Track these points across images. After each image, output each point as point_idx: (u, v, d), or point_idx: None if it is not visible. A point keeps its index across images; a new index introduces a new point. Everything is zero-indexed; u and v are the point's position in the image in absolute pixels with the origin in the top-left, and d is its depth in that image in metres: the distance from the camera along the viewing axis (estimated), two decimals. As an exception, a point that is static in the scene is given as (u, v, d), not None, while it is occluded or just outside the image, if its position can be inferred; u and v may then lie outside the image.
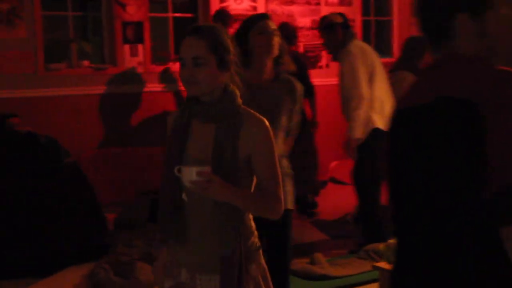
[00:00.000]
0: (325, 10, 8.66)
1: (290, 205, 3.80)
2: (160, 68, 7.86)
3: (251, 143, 2.50)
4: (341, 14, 6.00)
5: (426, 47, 7.07)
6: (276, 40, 3.68)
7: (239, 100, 2.60)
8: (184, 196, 2.53)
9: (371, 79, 5.60)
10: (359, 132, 5.47)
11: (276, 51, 3.69)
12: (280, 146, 3.85)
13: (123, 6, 7.65)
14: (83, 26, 8.17)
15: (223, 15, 7.38)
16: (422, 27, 2.14)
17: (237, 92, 2.61)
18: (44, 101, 7.32)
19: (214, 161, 2.51)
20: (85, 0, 8.01)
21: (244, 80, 3.61)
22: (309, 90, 6.73)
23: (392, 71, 6.23)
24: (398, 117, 2.12)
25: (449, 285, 2.01)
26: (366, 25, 9.25)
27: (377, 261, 5.00)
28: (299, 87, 3.81)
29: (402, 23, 9.35)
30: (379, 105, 5.47)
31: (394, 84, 6.09)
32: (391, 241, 4.91)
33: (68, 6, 7.67)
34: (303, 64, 7.11)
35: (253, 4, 8.59)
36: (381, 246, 4.81)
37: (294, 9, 8.83)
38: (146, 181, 7.40)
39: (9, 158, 5.91)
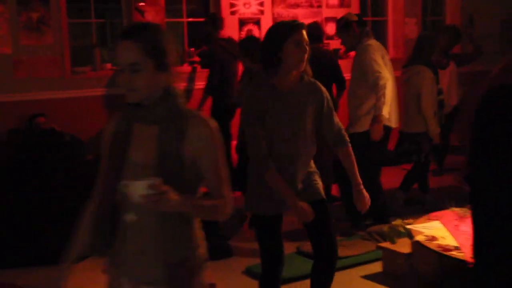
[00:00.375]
0: (326, 12, 8.88)
1: (324, 195, 3.80)
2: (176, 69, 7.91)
3: (196, 144, 2.32)
4: (356, 14, 6.06)
5: (435, 43, 7.16)
6: (308, 53, 3.58)
7: (182, 100, 2.42)
8: (130, 217, 2.34)
9: None
10: (385, 111, 5.47)
11: (305, 65, 3.61)
12: (309, 148, 3.78)
13: (141, 12, 7.68)
14: (103, 32, 8.15)
15: (215, 19, 7.35)
16: None
17: (179, 92, 2.43)
18: (71, 102, 7.33)
19: (158, 164, 2.34)
20: (105, 8, 7.93)
21: (271, 85, 3.59)
22: (340, 84, 6.73)
23: (406, 66, 6.34)
24: (491, 93, 1.94)
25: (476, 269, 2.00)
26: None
27: (380, 242, 5.10)
28: (323, 88, 3.72)
29: (396, 23, 9.39)
30: None
31: (410, 77, 6.29)
32: (395, 222, 5.14)
33: (91, 14, 7.77)
34: (333, 59, 7.06)
35: (261, 8, 8.62)
36: (385, 227, 4.95)
37: (298, 12, 8.79)
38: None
39: (36, 154, 5.92)
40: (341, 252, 5.11)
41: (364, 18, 6.86)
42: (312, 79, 3.70)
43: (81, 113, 7.38)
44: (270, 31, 3.63)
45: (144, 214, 2.31)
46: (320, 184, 3.78)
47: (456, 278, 4.27)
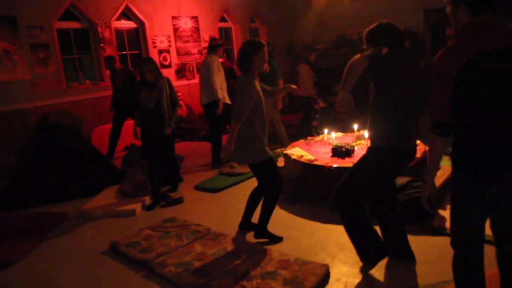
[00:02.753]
0: (203, 44, 10.15)
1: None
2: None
3: None
4: (215, 39, 6.78)
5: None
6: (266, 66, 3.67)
7: None
8: None
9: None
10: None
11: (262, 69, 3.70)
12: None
13: (103, 49, 8.49)
14: (79, 60, 8.12)
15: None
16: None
17: None
18: (69, 104, 7.90)
19: None
20: (83, 47, 8.15)
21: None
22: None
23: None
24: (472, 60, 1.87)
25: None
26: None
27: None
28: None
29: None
30: None
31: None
32: (276, 150, 6.42)
33: (74, 51, 8.27)
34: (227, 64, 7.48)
35: (169, 43, 9.48)
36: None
37: (189, 44, 9.92)
38: (129, 139, 7.92)
39: (52, 138, 6.43)
40: (245, 170, 6.22)
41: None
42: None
43: (75, 111, 7.90)
44: (244, 47, 3.72)
45: None
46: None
47: (315, 176, 4.69)
